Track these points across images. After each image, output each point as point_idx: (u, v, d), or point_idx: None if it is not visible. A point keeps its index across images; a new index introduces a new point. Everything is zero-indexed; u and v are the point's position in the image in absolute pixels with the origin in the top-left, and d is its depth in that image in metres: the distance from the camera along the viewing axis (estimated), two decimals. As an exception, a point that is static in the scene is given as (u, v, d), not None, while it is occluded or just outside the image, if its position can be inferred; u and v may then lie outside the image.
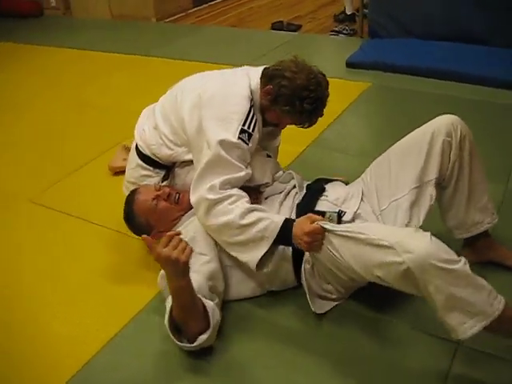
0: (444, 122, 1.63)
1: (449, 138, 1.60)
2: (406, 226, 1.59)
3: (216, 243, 1.64)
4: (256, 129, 1.68)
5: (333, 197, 1.69)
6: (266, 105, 1.72)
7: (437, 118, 1.66)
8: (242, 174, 1.62)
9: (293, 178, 1.82)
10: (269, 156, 1.88)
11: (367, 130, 3.00)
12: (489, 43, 3.45)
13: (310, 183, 1.82)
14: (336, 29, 4.53)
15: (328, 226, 1.47)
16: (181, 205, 1.76)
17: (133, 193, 1.82)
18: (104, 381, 1.49)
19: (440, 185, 1.66)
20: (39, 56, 4.40)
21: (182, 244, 1.38)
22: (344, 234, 1.43)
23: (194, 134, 1.69)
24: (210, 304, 1.48)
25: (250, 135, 1.64)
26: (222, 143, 1.58)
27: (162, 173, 1.92)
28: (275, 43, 4.24)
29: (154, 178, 1.91)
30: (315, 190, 1.75)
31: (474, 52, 3.42)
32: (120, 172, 2.39)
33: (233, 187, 1.59)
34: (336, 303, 1.64)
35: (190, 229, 1.66)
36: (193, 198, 1.62)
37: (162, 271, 1.50)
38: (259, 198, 1.76)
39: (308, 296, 1.60)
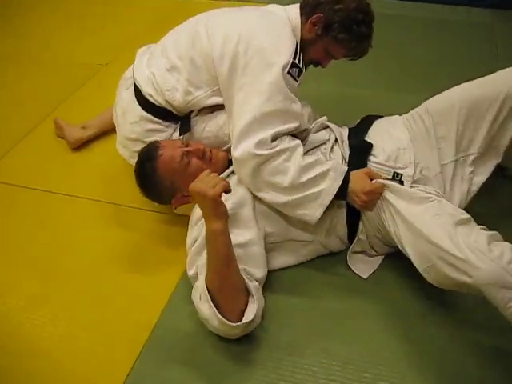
0: None
1: None
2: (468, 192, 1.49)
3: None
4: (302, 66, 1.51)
5: (383, 156, 1.50)
6: (311, 39, 1.56)
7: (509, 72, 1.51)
8: (298, 107, 1.45)
9: (327, 128, 1.61)
10: None
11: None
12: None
13: (349, 134, 1.59)
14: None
15: (391, 187, 1.38)
16: (214, 164, 1.50)
17: (153, 148, 1.51)
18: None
19: None
20: None
21: (214, 179, 1.26)
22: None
23: (229, 70, 1.46)
24: (248, 279, 1.30)
25: (300, 71, 1.48)
26: (284, 68, 1.41)
27: (174, 126, 1.62)
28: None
29: (163, 132, 1.61)
30: (361, 148, 1.53)
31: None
32: (80, 146, 2.07)
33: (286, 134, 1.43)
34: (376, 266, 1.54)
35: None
36: (237, 152, 1.38)
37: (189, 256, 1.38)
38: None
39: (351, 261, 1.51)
